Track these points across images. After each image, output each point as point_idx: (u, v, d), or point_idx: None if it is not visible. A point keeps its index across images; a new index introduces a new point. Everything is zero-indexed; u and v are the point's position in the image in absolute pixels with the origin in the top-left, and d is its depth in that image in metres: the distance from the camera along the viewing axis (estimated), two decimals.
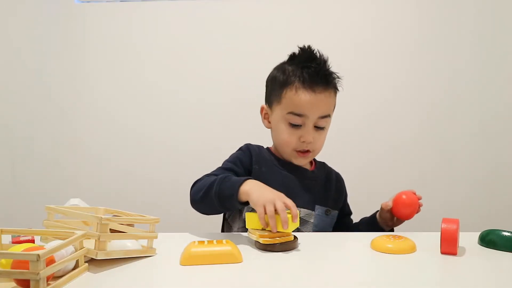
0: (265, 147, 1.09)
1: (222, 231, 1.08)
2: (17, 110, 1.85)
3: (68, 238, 0.63)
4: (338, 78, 1.04)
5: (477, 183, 1.79)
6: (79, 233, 0.65)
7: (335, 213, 1.06)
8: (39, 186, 1.85)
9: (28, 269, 0.55)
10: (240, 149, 1.06)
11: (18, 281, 0.58)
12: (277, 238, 0.77)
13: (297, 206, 0.96)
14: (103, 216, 0.68)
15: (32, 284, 0.55)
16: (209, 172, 0.97)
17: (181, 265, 0.70)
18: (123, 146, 1.84)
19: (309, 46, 1.03)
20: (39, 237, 0.78)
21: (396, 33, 1.79)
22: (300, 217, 0.95)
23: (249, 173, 1.00)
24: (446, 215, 0.80)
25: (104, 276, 0.66)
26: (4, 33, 1.84)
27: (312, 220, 1.00)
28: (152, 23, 1.83)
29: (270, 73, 1.07)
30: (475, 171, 1.79)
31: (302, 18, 1.80)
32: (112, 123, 1.84)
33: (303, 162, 1.04)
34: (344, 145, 1.80)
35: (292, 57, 1.04)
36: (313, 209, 1.01)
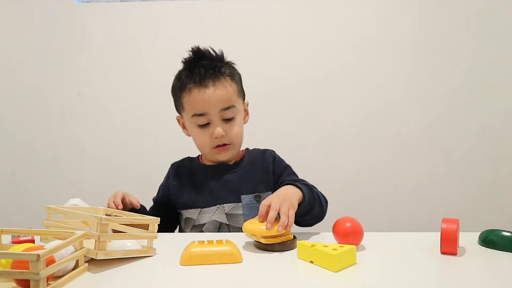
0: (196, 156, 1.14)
1: None
2: (17, 110, 1.85)
3: (68, 238, 0.63)
4: (232, 64, 1.05)
5: (477, 183, 1.79)
6: (79, 233, 0.65)
7: (267, 195, 1.01)
8: (39, 186, 1.85)
9: (28, 269, 0.55)
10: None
11: (18, 281, 0.58)
12: (277, 238, 0.77)
13: (221, 203, 1.00)
14: (103, 216, 0.68)
15: (32, 284, 0.55)
16: None
17: (181, 265, 0.70)
18: (123, 146, 1.84)
19: (198, 46, 1.04)
20: (39, 237, 0.78)
21: (399, 32, 1.78)
22: (226, 213, 0.99)
23: (169, 192, 1.08)
24: (446, 215, 0.80)
25: (104, 276, 0.66)
26: (4, 33, 1.84)
27: (241, 212, 1.00)
28: (152, 23, 1.83)
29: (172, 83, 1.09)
30: (475, 171, 1.79)
31: (302, 18, 1.80)
32: (112, 123, 1.84)
33: (226, 156, 1.04)
34: (345, 145, 1.80)
35: (184, 61, 1.06)
36: (239, 201, 1.00)
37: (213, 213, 1.00)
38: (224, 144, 1.01)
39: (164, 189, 1.10)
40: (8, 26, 1.83)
